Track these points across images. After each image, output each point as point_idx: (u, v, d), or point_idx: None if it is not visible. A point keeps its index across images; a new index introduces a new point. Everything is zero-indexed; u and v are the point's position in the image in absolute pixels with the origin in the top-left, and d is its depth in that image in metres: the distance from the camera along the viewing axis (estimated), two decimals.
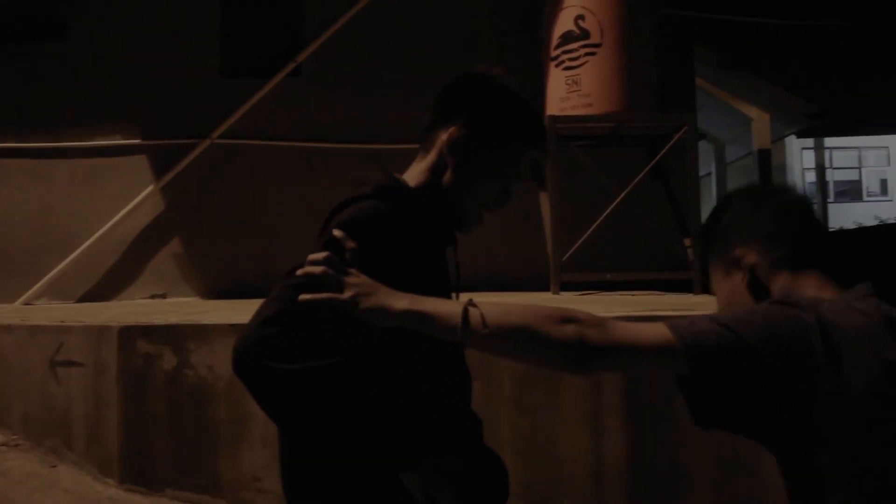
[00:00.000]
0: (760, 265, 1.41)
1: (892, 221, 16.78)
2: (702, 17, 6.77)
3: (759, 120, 15.14)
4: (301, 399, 1.44)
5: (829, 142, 20.91)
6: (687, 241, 5.27)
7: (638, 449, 3.37)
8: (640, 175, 5.23)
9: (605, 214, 5.14)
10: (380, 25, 6.14)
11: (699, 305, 3.81)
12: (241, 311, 4.09)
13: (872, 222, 17.25)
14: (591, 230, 5.14)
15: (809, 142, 20.53)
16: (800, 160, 22.76)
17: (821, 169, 20.78)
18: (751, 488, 3.33)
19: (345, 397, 1.46)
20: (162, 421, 3.67)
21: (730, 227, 1.46)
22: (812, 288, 1.34)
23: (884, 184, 24.47)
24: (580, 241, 5.13)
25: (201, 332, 3.67)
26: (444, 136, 1.62)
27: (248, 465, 3.57)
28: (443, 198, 1.65)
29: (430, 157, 1.65)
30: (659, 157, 5.30)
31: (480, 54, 4.84)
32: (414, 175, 1.66)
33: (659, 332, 1.21)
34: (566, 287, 5.13)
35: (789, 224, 1.43)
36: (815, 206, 1.53)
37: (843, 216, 20.63)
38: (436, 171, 1.64)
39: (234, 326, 3.59)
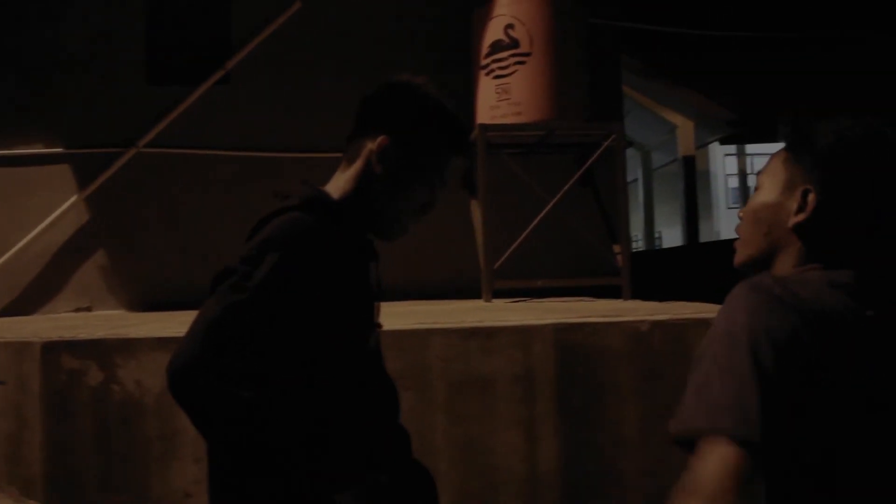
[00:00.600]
0: (815, 223, 1.29)
1: None
2: (628, 26, 6.91)
3: (684, 127, 15.56)
4: (241, 421, 1.41)
5: (750, 148, 21.58)
6: (616, 248, 5.36)
7: (571, 454, 3.41)
8: (570, 182, 5.30)
9: (535, 222, 5.20)
10: (310, 32, 6.09)
11: (628, 311, 3.88)
12: (170, 324, 4.01)
13: None
14: (522, 238, 5.19)
15: (732, 148, 21.19)
16: (723, 166, 23.42)
17: (742, 175, 21.45)
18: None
19: (284, 421, 1.44)
20: (88, 438, 3.56)
21: (829, 158, 1.30)
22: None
23: None
24: (511, 249, 5.17)
25: (129, 347, 3.58)
26: (371, 146, 1.62)
27: (179, 480, 3.50)
28: (369, 208, 1.63)
29: (356, 167, 1.65)
30: (588, 164, 5.38)
31: (414, 62, 4.88)
32: (338, 186, 1.65)
33: (724, 458, 1.08)
34: (498, 294, 5.17)
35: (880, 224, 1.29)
36: None
37: None
38: (362, 180, 1.64)
39: (162, 340, 3.51)
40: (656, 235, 20.79)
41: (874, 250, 1.30)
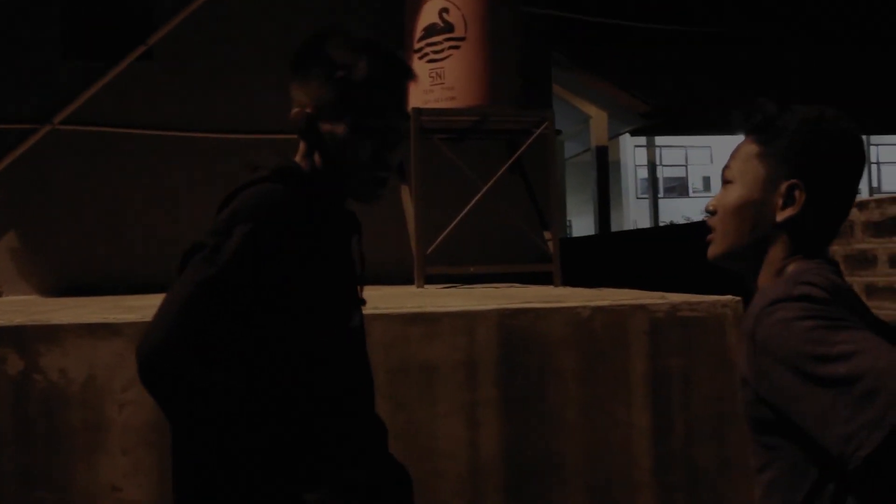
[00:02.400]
0: (802, 217, 1.32)
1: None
2: (557, 15, 6.95)
3: (598, 118, 15.78)
4: (217, 409, 1.32)
5: (659, 140, 22.12)
6: (547, 235, 5.39)
7: (513, 440, 3.40)
8: (503, 168, 5.31)
9: (468, 207, 5.18)
10: (236, 11, 5.92)
11: (566, 297, 3.90)
12: (93, 310, 3.84)
13: (699, 217, 18.44)
14: (454, 223, 5.16)
15: (642, 140, 21.69)
16: (633, 157, 23.99)
17: (652, 166, 21.96)
18: (621, 474, 3.45)
19: (263, 410, 1.36)
20: (7, 431, 3.35)
21: (813, 151, 1.32)
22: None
23: (707, 181, 26.21)
24: (444, 235, 5.14)
25: (52, 333, 3.38)
26: (298, 115, 1.53)
27: (106, 474, 3.33)
28: (335, 175, 1.54)
29: (302, 143, 1.57)
30: (521, 150, 5.39)
31: None
32: (301, 160, 1.57)
33: None
34: (431, 280, 5.14)
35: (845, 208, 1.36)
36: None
37: (671, 211, 21.91)
38: (310, 150, 1.55)
39: (89, 326, 3.33)
40: (567, 224, 21.13)
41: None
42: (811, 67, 11.50)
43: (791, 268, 1.32)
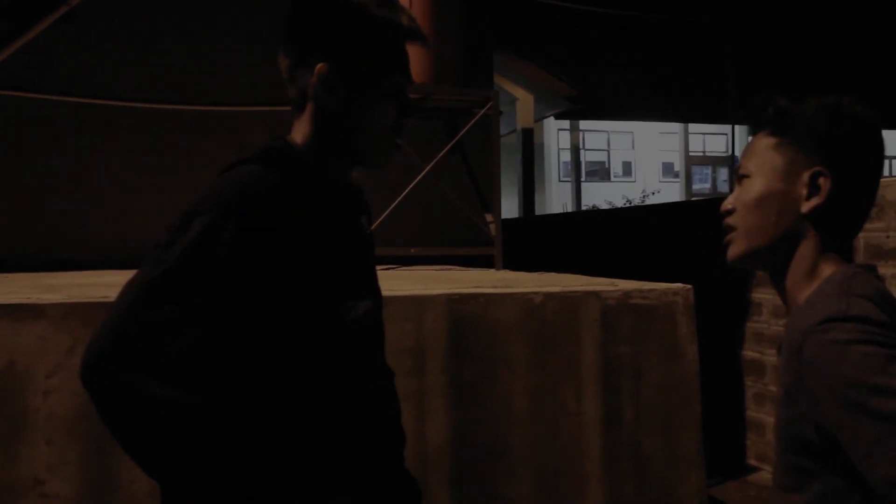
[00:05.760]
0: (829, 207, 1.24)
1: (645, 203, 18.24)
2: None
3: (524, 100, 15.82)
4: (153, 425, 1.18)
5: (583, 124, 22.31)
6: (489, 217, 5.32)
7: (461, 428, 3.31)
8: (446, 149, 5.20)
9: (409, 188, 5.06)
10: None
11: (513, 282, 3.83)
12: (11, 288, 3.58)
13: (620, 202, 18.73)
14: (394, 204, 5.03)
15: (565, 123, 21.84)
16: (556, 140, 24.17)
17: (575, 149, 22.14)
18: (570, 464, 3.40)
19: (215, 428, 1.22)
20: None
21: (837, 138, 1.25)
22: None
23: (628, 166, 26.66)
24: (384, 215, 5.01)
25: None
26: (311, 80, 1.37)
27: (27, 466, 3.10)
28: (341, 145, 1.41)
29: (308, 108, 1.39)
30: (466, 130, 5.29)
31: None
32: (300, 133, 1.41)
33: None
34: None
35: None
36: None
37: (592, 195, 22.19)
38: (319, 120, 1.39)
39: (9, 307, 3.08)
40: None
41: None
42: (747, 59, 11.71)
43: (827, 270, 1.23)
